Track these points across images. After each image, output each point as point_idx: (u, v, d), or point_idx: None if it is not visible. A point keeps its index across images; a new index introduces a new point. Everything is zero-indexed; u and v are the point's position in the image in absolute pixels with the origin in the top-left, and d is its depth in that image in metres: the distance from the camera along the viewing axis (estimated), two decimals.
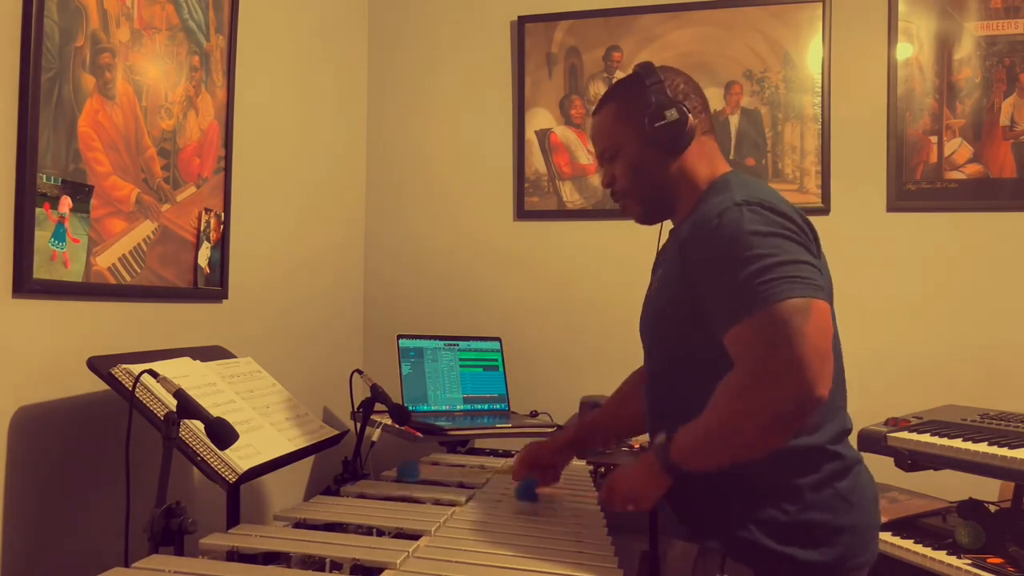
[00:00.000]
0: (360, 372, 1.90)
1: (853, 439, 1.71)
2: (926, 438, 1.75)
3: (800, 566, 1.13)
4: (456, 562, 1.14)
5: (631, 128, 1.31)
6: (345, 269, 2.86)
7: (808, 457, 1.16)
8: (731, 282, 1.10)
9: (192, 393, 1.28)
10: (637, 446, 2.27)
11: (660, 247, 1.44)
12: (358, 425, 1.84)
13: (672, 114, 1.27)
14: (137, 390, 1.33)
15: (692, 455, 1.14)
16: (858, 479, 1.21)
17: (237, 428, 1.27)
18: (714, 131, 1.36)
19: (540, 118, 2.83)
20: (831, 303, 1.13)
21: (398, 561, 1.12)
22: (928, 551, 1.69)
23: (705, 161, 1.31)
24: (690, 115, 1.28)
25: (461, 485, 1.69)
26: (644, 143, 1.30)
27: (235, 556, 1.19)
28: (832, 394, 1.19)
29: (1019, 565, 1.59)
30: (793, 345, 1.02)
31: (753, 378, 1.07)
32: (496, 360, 2.63)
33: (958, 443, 1.68)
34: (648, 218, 1.39)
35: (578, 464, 2.02)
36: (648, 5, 2.72)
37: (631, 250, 2.67)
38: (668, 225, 1.40)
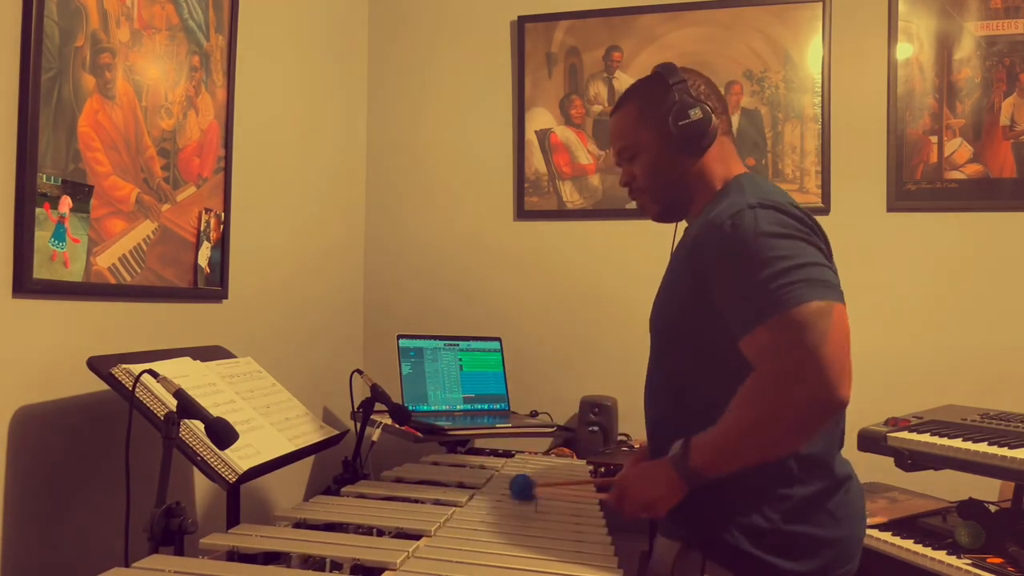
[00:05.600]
0: (360, 372, 1.90)
1: (852, 439, 1.71)
2: (926, 438, 1.75)
3: (781, 574, 1.13)
4: (456, 562, 1.14)
5: (653, 127, 1.30)
6: (345, 269, 2.86)
7: (794, 468, 1.16)
8: (747, 285, 1.09)
9: (192, 393, 1.28)
10: (638, 445, 2.27)
11: (675, 246, 1.44)
12: (358, 425, 1.84)
13: (696, 113, 1.26)
14: (137, 390, 1.33)
15: (714, 461, 1.12)
16: (847, 494, 1.20)
17: (237, 428, 1.27)
18: (732, 132, 1.37)
19: (540, 118, 2.83)
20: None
21: (398, 561, 1.12)
22: (928, 551, 1.69)
23: (722, 162, 1.31)
24: (713, 115, 1.28)
25: (461, 485, 1.68)
26: (666, 143, 1.29)
27: (235, 556, 1.19)
28: None
29: (1019, 565, 1.59)
30: (815, 348, 1.02)
31: (775, 381, 1.05)
32: (496, 360, 2.63)
33: (958, 443, 1.68)
34: (664, 216, 1.39)
35: (578, 463, 2.02)
36: (648, 5, 2.72)
37: (631, 250, 2.68)
38: (683, 225, 1.40)
